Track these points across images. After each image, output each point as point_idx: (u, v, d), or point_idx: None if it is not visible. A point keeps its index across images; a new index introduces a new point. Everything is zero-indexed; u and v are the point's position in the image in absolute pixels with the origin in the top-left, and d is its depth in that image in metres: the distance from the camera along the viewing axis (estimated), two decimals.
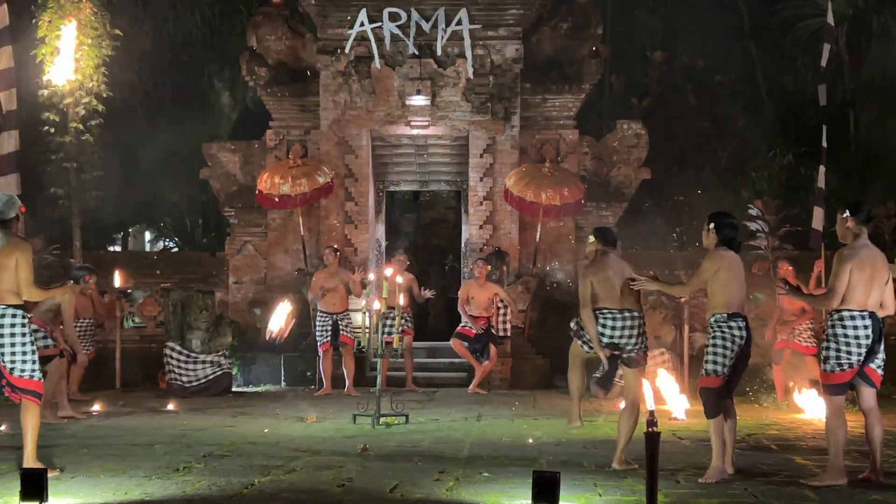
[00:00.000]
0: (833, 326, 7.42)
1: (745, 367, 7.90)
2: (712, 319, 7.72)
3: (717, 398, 7.64)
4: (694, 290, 8.32)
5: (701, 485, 7.38)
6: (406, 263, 14.64)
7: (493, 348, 14.26)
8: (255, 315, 16.17)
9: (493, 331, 14.38)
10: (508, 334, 14.63)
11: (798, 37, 24.80)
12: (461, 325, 14.42)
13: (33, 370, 7.60)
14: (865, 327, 7.33)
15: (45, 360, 12.26)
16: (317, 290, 14.02)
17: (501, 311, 14.60)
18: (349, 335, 13.94)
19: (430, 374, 15.22)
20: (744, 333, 7.63)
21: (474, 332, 14.20)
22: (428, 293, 14.83)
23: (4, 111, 15.18)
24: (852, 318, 7.35)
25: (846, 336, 7.36)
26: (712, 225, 7.78)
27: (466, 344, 14.28)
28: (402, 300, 13.83)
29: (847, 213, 7.56)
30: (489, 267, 14.46)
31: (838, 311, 7.38)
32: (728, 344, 7.60)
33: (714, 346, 7.66)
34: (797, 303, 10.43)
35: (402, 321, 14.54)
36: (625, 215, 16.94)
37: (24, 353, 7.57)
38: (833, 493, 7.09)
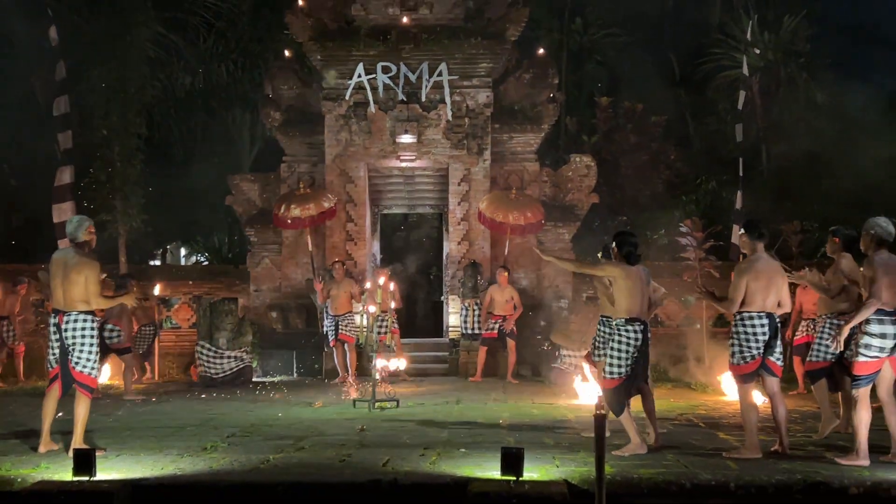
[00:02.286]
0: (736, 326, 7.44)
1: (647, 364, 7.83)
2: (614, 324, 7.62)
3: (620, 396, 7.49)
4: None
5: (640, 457, 7.36)
6: (387, 274, 14.65)
7: (510, 342, 14.24)
8: (272, 318, 16.07)
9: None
10: (515, 332, 14.46)
11: (719, 84, 24.98)
12: (488, 328, 14.32)
13: (93, 367, 7.56)
14: (762, 325, 7.34)
15: (121, 352, 12.33)
16: (324, 297, 14.08)
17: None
18: (347, 333, 13.93)
19: (418, 365, 15.14)
20: (640, 336, 7.53)
21: (496, 333, 14.23)
22: (394, 303, 14.76)
23: (62, 149, 15.14)
24: (751, 318, 7.36)
25: (746, 333, 7.37)
26: (613, 243, 7.81)
27: (487, 347, 14.32)
28: (392, 304, 13.87)
29: (742, 231, 7.61)
30: (507, 273, 14.44)
31: (740, 312, 7.40)
32: (625, 347, 7.50)
33: (613, 349, 7.54)
34: (815, 297, 9.62)
35: (391, 322, 14.54)
36: (578, 232, 16.94)
37: (90, 353, 7.53)
38: (750, 463, 7.10)
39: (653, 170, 20.77)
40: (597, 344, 9.78)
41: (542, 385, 13.52)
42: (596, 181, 17.11)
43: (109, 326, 12.41)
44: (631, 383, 7.60)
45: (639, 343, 7.55)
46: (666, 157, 21.27)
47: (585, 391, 10.64)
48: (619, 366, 7.51)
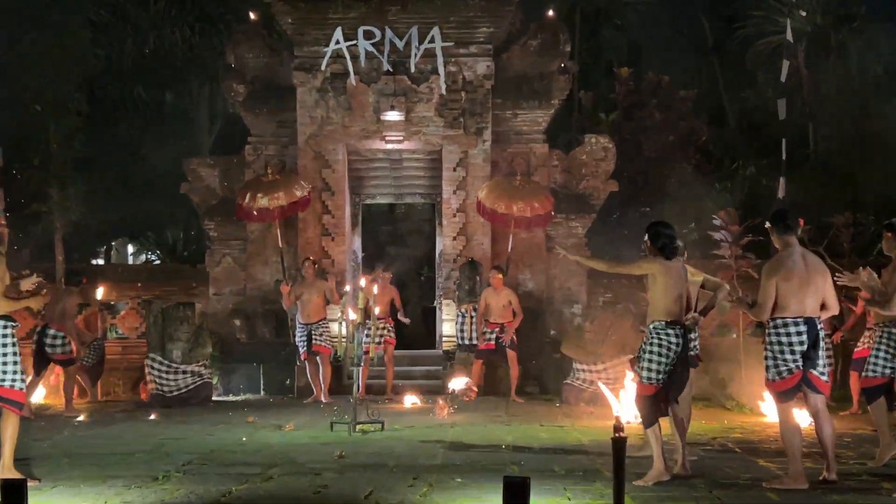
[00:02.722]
0: (769, 335, 7.41)
1: (686, 374, 7.87)
2: (651, 327, 7.70)
3: (653, 406, 7.62)
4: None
5: (665, 486, 7.37)
6: (389, 279, 14.71)
7: (510, 354, 14.20)
8: (235, 326, 16.06)
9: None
10: (516, 342, 14.45)
11: (759, 53, 25.00)
12: (486, 339, 14.30)
13: (14, 379, 7.51)
14: (799, 334, 7.28)
15: (64, 363, 12.31)
16: (291, 301, 14.04)
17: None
18: (323, 344, 13.94)
19: (407, 381, 15.12)
20: (679, 342, 7.60)
21: (494, 344, 14.22)
22: (404, 320, 14.82)
23: None
24: (785, 325, 7.32)
25: (781, 343, 7.33)
26: (647, 235, 7.83)
27: (483, 360, 14.35)
28: (377, 310, 13.85)
29: (768, 225, 7.57)
30: (501, 275, 14.39)
31: (773, 319, 7.37)
32: (664, 352, 7.60)
33: (650, 353, 7.64)
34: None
35: (385, 331, 14.55)
36: (593, 226, 16.94)
37: (6, 363, 7.48)
38: (795, 495, 7.09)
39: (681, 152, 20.78)
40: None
41: (551, 404, 13.52)
42: (614, 166, 17.13)
43: (52, 332, 12.38)
44: (666, 393, 7.68)
45: (678, 349, 7.62)
46: (696, 137, 21.29)
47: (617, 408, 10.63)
48: (658, 371, 7.62)
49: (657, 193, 19.65)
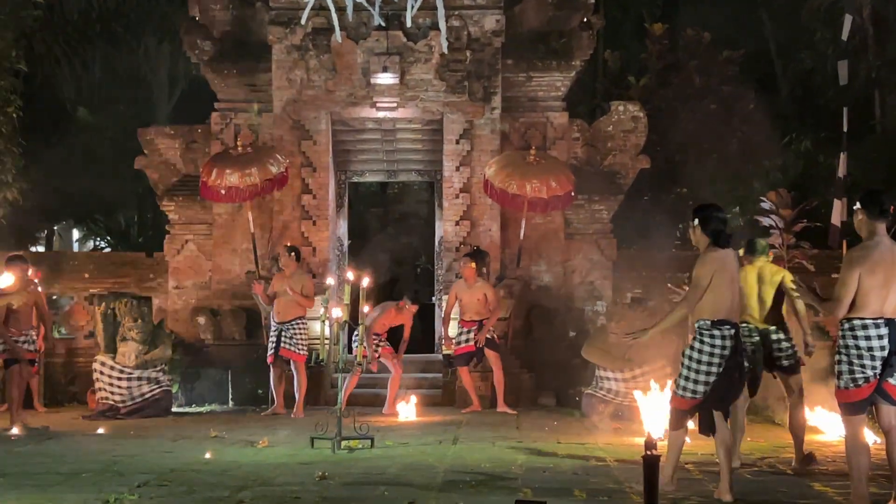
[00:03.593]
0: (844, 337, 7.39)
1: (742, 380, 7.94)
2: (696, 326, 7.78)
3: (684, 415, 7.79)
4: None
5: None
6: (413, 312, 14.74)
7: (490, 354, 14.26)
8: (199, 325, 16.07)
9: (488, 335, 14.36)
10: (498, 339, 14.54)
11: (816, 7, 24.91)
12: (456, 343, 14.39)
13: None
14: (880, 337, 7.26)
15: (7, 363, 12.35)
16: (270, 300, 14.07)
17: None
18: (291, 349, 13.94)
19: (402, 391, 15.13)
20: (728, 344, 7.68)
21: (474, 344, 14.28)
22: (393, 360, 14.76)
23: None
24: (864, 327, 7.30)
25: (858, 348, 7.31)
26: (696, 221, 7.87)
27: (468, 366, 14.40)
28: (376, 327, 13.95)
29: (858, 206, 7.55)
30: (474, 264, 14.41)
31: (849, 319, 7.35)
32: (706, 358, 7.68)
33: (690, 359, 7.75)
34: None
35: (378, 341, 14.52)
36: (620, 209, 16.97)
37: None
38: None
39: (724, 124, 20.77)
40: None
41: (570, 417, 13.55)
42: (646, 139, 17.13)
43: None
44: (708, 405, 7.76)
45: (726, 353, 7.67)
46: (743, 106, 21.27)
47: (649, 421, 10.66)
48: (696, 381, 7.72)
49: (696, 171, 19.66)
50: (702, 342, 7.70)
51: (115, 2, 21.90)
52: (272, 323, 14.21)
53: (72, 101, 22.02)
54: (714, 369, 7.68)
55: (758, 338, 9.68)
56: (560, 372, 14.96)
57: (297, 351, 14.00)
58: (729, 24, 22.58)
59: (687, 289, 8.65)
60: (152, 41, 23.68)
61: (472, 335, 14.30)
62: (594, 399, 13.54)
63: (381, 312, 14.22)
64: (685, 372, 7.75)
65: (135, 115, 20.41)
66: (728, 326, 7.70)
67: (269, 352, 14.10)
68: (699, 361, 7.69)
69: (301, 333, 14.09)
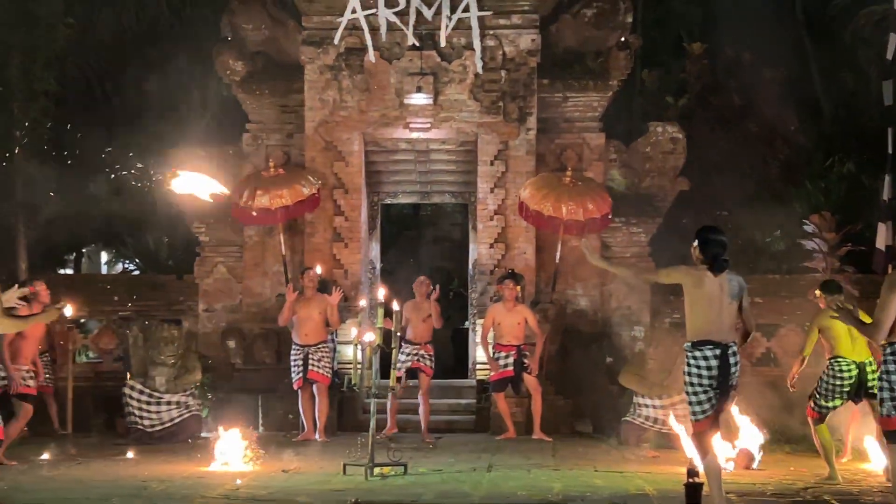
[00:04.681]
0: (886, 362, 7.38)
1: (725, 401, 8.02)
2: (684, 348, 8.01)
3: (705, 437, 7.87)
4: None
5: None
6: (429, 288, 14.60)
7: (529, 380, 14.18)
8: (229, 348, 16.10)
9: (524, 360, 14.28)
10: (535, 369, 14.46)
11: (859, 26, 24.79)
12: (500, 366, 14.28)
13: None
14: None
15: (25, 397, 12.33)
16: (287, 316, 14.05)
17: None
18: (320, 371, 13.94)
19: (435, 417, 15.10)
20: (713, 364, 7.80)
21: (512, 369, 14.17)
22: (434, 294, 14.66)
23: None
24: None
25: None
26: (696, 242, 8.07)
27: (503, 391, 14.30)
28: (410, 332, 13.91)
29: None
30: (516, 284, 14.33)
31: (891, 343, 7.32)
32: (695, 379, 7.86)
33: (685, 383, 7.98)
34: None
35: (420, 359, 14.47)
36: (659, 232, 16.89)
37: None
38: None
39: (765, 145, 20.69)
40: (823, 390, 10.75)
41: (608, 445, 13.47)
42: (685, 160, 17.07)
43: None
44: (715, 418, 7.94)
45: (713, 373, 7.81)
46: (784, 127, 21.18)
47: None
48: (700, 402, 7.89)
49: (736, 194, 19.57)
50: (688, 364, 7.89)
51: (148, 23, 22.08)
52: (295, 346, 14.18)
53: (102, 122, 22.14)
54: (707, 387, 7.83)
55: (857, 371, 10.49)
56: (597, 398, 14.89)
57: (324, 373, 14.00)
58: (769, 43, 22.47)
59: None
60: (184, 61, 23.80)
61: (510, 360, 14.22)
62: (632, 426, 13.48)
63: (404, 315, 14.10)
64: (689, 398, 7.95)
65: (166, 135, 20.48)
66: (711, 346, 7.80)
67: (296, 376, 14.06)
68: (692, 384, 7.87)
69: (328, 356, 14.10)
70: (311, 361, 13.97)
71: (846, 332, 10.42)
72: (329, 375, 14.02)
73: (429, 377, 14.57)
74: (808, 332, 10.97)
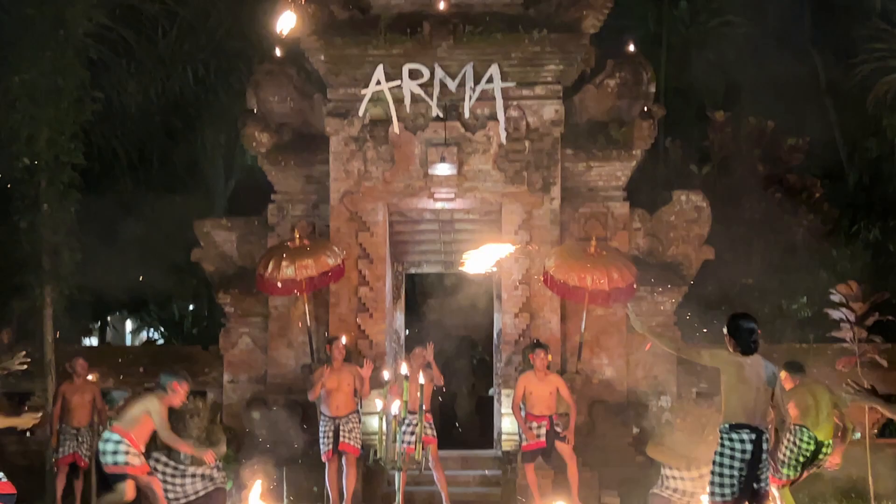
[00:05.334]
0: None
1: (753, 490, 8.09)
2: (718, 430, 8.21)
3: None
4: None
5: None
6: (425, 360, 14.50)
7: (563, 449, 14.05)
8: (254, 420, 16.10)
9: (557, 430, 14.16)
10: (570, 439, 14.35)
11: (882, 93, 24.87)
12: (524, 440, 14.14)
13: None
14: None
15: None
16: (318, 391, 14.01)
17: None
18: (351, 442, 13.89)
19: (459, 489, 15.05)
20: (748, 448, 7.97)
21: (545, 440, 14.06)
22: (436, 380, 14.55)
23: None
24: None
25: None
26: (726, 330, 8.41)
27: (534, 463, 14.16)
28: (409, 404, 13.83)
29: None
30: (547, 354, 14.22)
31: None
32: (727, 461, 8.03)
33: (714, 463, 8.13)
34: None
35: (424, 428, 14.44)
36: (684, 302, 16.87)
37: None
38: None
39: (790, 213, 20.70)
40: (784, 456, 10.72)
41: None
42: (709, 229, 17.08)
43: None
44: None
45: (746, 457, 7.91)
46: (809, 194, 21.20)
47: None
48: (722, 484, 7.98)
49: (762, 262, 19.58)
50: (722, 445, 8.03)
51: (174, 94, 22.31)
52: (324, 417, 14.14)
53: (128, 194, 22.32)
54: (736, 472, 7.94)
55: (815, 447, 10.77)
56: (624, 470, 14.79)
57: (355, 444, 13.95)
58: (792, 111, 22.60)
59: None
60: (209, 132, 24.01)
61: (542, 430, 14.08)
62: (660, 499, 13.31)
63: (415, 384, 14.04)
64: (713, 477, 8.05)
65: (191, 206, 20.65)
66: (748, 430, 7.97)
67: (325, 447, 13.99)
68: (721, 465, 8.01)
69: (358, 426, 14.07)
70: (342, 432, 13.90)
71: (815, 406, 10.73)
72: (359, 447, 13.97)
73: (435, 445, 14.51)
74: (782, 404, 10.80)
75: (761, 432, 7.96)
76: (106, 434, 11.21)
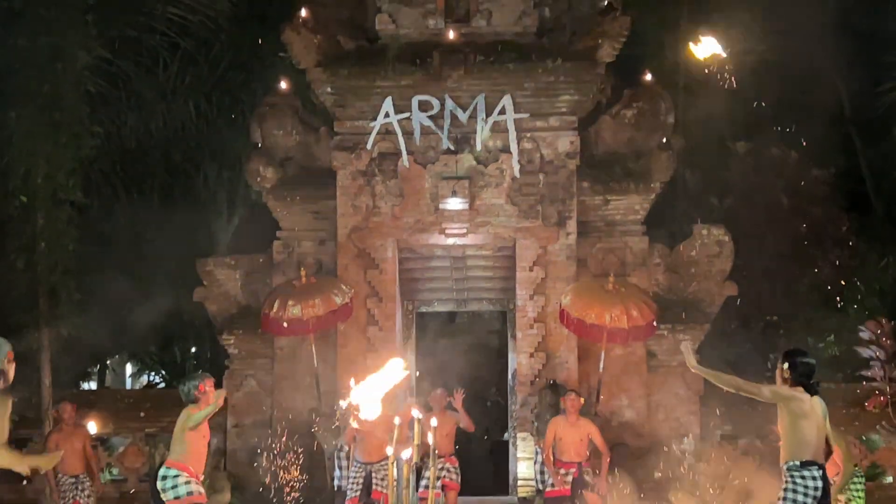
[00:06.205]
0: None
1: None
2: (784, 469, 8.13)
3: None
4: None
5: None
6: (446, 400, 14.47)
7: (594, 498, 13.86)
8: (259, 466, 16.02)
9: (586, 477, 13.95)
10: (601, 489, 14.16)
11: None
12: (549, 485, 13.96)
13: None
14: None
15: None
16: (350, 440, 13.87)
17: None
18: (383, 490, 13.76)
19: None
20: (819, 485, 8.01)
21: (570, 489, 13.86)
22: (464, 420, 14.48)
23: None
24: None
25: None
26: (786, 365, 8.35)
27: None
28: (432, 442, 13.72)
29: None
30: (578, 398, 14.03)
31: None
32: (800, 498, 8.01)
33: (784, 500, 8.05)
34: None
35: (445, 472, 14.34)
36: (707, 339, 16.79)
37: None
38: None
39: (815, 247, 20.64)
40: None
41: None
42: (732, 263, 17.03)
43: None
44: None
45: (818, 494, 7.96)
46: (835, 227, 21.15)
47: None
48: None
49: (787, 298, 19.51)
50: (794, 483, 8.01)
51: (174, 129, 22.36)
52: (354, 462, 13.97)
53: (127, 231, 22.33)
54: None
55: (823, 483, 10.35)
56: None
57: (386, 492, 13.82)
58: (817, 141, 22.58)
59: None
60: (212, 167, 24.05)
61: (569, 478, 13.86)
62: None
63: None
64: None
65: (193, 244, 20.64)
66: (816, 467, 8.03)
67: (353, 494, 13.68)
68: (795, 502, 7.97)
69: (388, 474, 13.94)
70: (374, 480, 13.69)
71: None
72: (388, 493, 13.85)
73: (456, 492, 14.38)
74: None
75: (823, 468, 8.11)
76: (162, 471, 11.12)
